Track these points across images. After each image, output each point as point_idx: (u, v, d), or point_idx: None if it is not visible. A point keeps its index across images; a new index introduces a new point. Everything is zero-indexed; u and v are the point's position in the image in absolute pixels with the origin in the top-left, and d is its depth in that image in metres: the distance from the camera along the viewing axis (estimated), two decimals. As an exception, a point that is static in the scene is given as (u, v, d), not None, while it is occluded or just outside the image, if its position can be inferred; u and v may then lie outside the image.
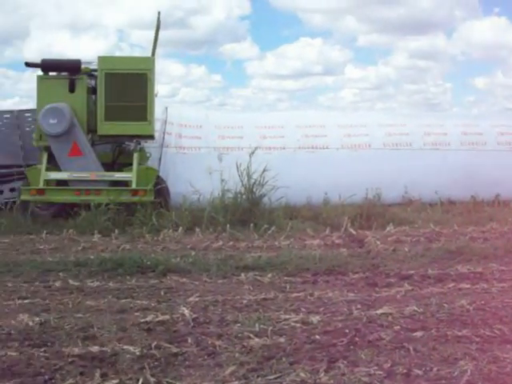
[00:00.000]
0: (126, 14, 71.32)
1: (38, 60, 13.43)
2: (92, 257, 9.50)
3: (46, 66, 13.35)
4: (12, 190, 14.65)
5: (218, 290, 7.86)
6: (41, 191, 12.74)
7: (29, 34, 76.19)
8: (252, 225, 11.72)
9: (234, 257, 9.61)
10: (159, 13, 14.10)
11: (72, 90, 13.27)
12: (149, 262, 8.95)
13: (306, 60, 66.13)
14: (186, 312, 6.71)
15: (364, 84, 66.25)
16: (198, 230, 11.45)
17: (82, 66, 13.37)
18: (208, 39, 67.90)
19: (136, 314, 6.78)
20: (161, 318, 6.57)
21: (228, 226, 11.55)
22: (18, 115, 14.70)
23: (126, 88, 13.27)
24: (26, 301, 7.26)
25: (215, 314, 6.82)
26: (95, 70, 13.61)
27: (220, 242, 10.80)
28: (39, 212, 12.93)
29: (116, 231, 11.47)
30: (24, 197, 12.74)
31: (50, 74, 13.53)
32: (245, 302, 7.32)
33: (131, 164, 13.58)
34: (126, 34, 72.74)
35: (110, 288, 7.89)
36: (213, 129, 15.46)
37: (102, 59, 13.41)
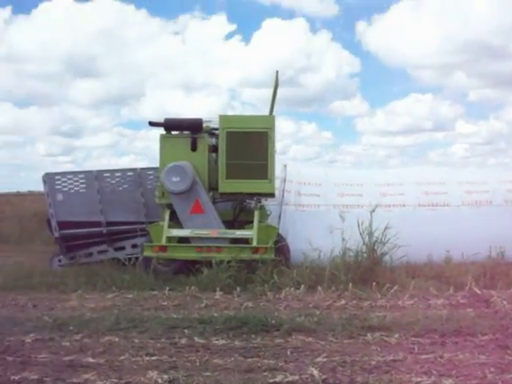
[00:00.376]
0: (238, 73, 73.32)
1: (160, 119, 13.82)
2: (216, 314, 9.53)
3: (169, 125, 13.71)
4: (134, 246, 14.96)
5: (344, 350, 7.69)
6: (163, 248, 12.96)
7: (144, 94, 79.38)
8: (374, 284, 11.39)
9: (359, 316, 9.40)
10: (277, 72, 14.28)
11: (194, 148, 13.55)
12: (273, 321, 8.87)
13: (416, 116, 65.54)
14: (315, 373, 6.61)
15: (475, 139, 64.85)
16: (319, 288, 11.23)
17: (204, 125, 13.61)
18: (318, 97, 68.63)
19: (264, 373, 6.72)
20: (290, 378, 6.50)
21: (350, 284, 11.28)
22: (140, 173, 15.12)
23: (247, 146, 13.41)
24: (153, 357, 7.34)
25: (344, 375, 6.69)
26: (216, 129, 13.85)
27: (343, 300, 10.59)
28: (161, 268, 13.10)
29: (238, 289, 11.44)
30: (147, 253, 12.98)
31: (173, 132, 13.82)
32: (373, 363, 7.14)
33: (251, 221, 13.62)
34: (238, 93, 74.47)
35: (236, 347, 7.85)
36: (332, 186, 15.35)
37: (223, 118, 13.65)
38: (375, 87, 72.37)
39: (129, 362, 7.18)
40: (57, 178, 15.12)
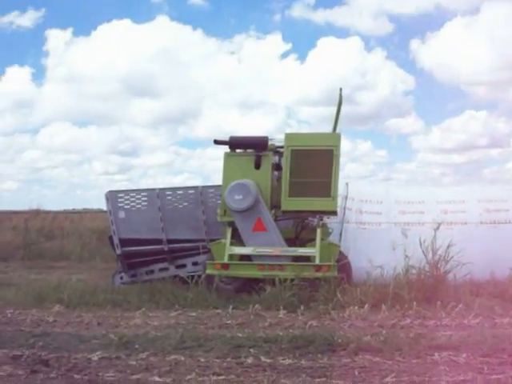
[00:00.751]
0: (294, 91, 73.54)
1: (216, 138, 13.94)
2: (281, 333, 9.46)
3: (234, 143, 13.79)
4: (195, 263, 15.02)
5: (412, 370, 7.54)
6: (225, 266, 12.98)
7: (201, 113, 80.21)
8: (439, 302, 11.15)
9: (425, 335, 9.17)
10: (341, 89, 14.26)
11: (258, 166, 13.57)
12: (339, 340, 8.77)
13: (470, 133, 64.69)
14: (386, 394, 6.42)
15: None
16: (383, 306, 11.05)
17: (269, 143, 13.62)
18: (373, 115, 68.30)
19: (334, 394, 6.57)
20: (361, 399, 6.31)
21: (414, 303, 11.08)
22: (202, 191, 15.19)
23: (311, 164, 13.37)
24: (220, 377, 7.30)
25: (416, 397, 6.48)
26: (280, 147, 13.86)
27: (407, 319, 10.41)
28: (223, 286, 13.11)
29: (301, 307, 11.33)
30: (209, 271, 13.01)
31: (237, 151, 13.87)
32: (443, 383, 6.90)
33: (312, 239, 13.55)
34: (294, 111, 74.59)
35: (303, 366, 7.76)
36: (393, 204, 15.17)
37: (288, 136, 13.66)
38: (430, 104, 71.73)
39: (195, 381, 7.16)
40: (119, 195, 15.34)
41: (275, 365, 7.82)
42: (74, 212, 46.27)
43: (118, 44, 63.91)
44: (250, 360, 8.01)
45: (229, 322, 10.59)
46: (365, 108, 64.18)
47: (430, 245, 12.54)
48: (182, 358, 8.14)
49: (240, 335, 9.45)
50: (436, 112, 72.84)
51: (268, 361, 7.98)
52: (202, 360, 8.07)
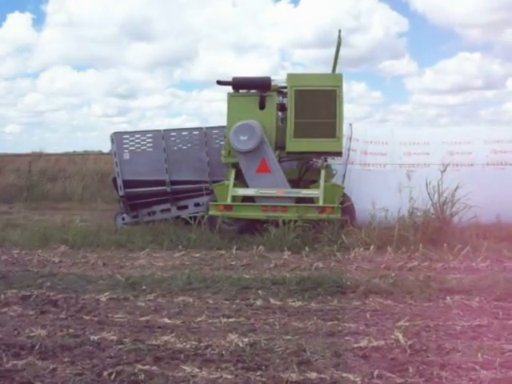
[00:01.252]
0: (288, 34, 72.65)
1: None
2: (288, 275, 9.22)
3: (237, 83, 13.35)
4: (197, 205, 14.81)
5: (425, 313, 7.28)
6: (228, 207, 12.69)
7: (197, 56, 79.35)
8: (445, 245, 10.89)
9: (434, 278, 8.93)
10: (340, 31, 13.79)
11: (262, 107, 13.18)
12: (348, 282, 8.52)
13: (465, 74, 64.11)
14: (401, 338, 6.19)
15: None
16: (389, 249, 10.81)
17: (272, 83, 13.18)
18: (367, 57, 67.57)
19: (346, 338, 6.37)
20: (375, 343, 6.13)
21: (420, 245, 10.82)
22: (206, 132, 14.82)
23: (315, 105, 12.99)
24: (230, 319, 7.06)
25: (430, 340, 6.29)
26: (283, 87, 13.43)
27: (415, 261, 10.16)
28: (226, 227, 12.83)
29: (306, 249, 11.09)
30: (212, 212, 12.73)
31: (240, 91, 13.44)
32: (458, 328, 6.71)
33: (316, 181, 13.26)
34: (288, 54, 73.88)
35: (313, 309, 7.52)
36: (398, 145, 14.77)
37: (291, 76, 13.23)
38: (423, 46, 71.05)
39: (206, 323, 6.91)
40: (125, 137, 15.04)
41: (285, 307, 7.57)
42: (75, 154, 45.90)
43: (115, -12, 62.81)
44: (259, 302, 7.77)
45: (233, 263, 10.36)
46: (358, 50, 63.62)
47: (436, 187, 12.17)
48: (191, 300, 7.91)
49: (246, 276, 9.21)
50: (430, 54, 72.24)
51: (277, 303, 7.74)
52: (211, 302, 7.83)
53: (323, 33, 71.00)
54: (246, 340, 6.21)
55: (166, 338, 6.32)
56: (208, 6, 75.99)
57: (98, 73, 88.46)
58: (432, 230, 11.76)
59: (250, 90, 13.55)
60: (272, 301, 7.81)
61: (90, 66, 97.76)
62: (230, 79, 13.43)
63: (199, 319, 7.05)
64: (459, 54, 71.13)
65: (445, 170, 12.39)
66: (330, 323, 6.89)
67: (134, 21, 73.73)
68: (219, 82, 13.45)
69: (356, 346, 6.05)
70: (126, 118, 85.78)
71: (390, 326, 6.77)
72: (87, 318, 7.17)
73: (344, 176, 14.16)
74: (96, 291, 8.37)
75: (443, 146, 14.67)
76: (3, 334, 6.54)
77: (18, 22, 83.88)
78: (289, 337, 6.39)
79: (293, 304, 7.69)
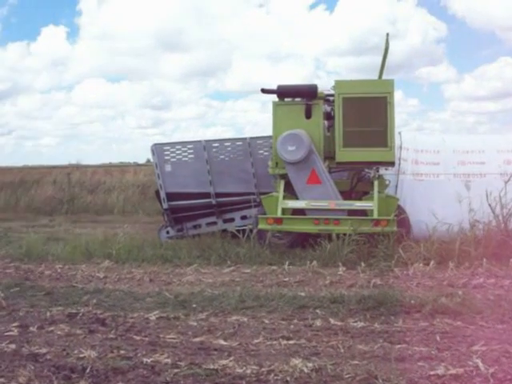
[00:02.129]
0: (323, 42, 72.24)
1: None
2: (345, 292, 8.76)
3: (282, 91, 12.96)
4: (243, 217, 14.42)
5: (501, 337, 6.73)
6: (278, 220, 12.26)
7: (230, 66, 79.52)
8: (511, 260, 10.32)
9: (504, 297, 8.36)
10: (387, 34, 13.24)
11: (308, 115, 12.74)
12: (413, 301, 8.02)
13: (506, 80, 62.91)
14: (480, 365, 5.69)
15: None
16: (451, 264, 10.28)
17: (318, 91, 12.77)
18: (404, 63, 66.73)
19: (419, 363, 5.90)
20: (452, 371, 5.65)
21: (484, 260, 10.27)
22: (250, 142, 14.45)
23: (364, 113, 12.54)
24: (290, 341, 6.63)
25: (513, 368, 5.72)
26: (330, 95, 13.02)
27: (480, 278, 9.59)
28: (275, 241, 12.42)
29: (362, 264, 10.62)
30: (262, 225, 12.30)
31: (286, 99, 13.04)
32: (543, 355, 6.13)
33: (367, 192, 12.80)
34: (323, 62, 73.50)
35: (377, 330, 7.05)
36: (451, 154, 14.18)
37: (338, 83, 12.78)
38: (462, 52, 70.04)
39: (264, 345, 6.49)
40: (165, 148, 14.75)
41: (347, 328, 7.12)
42: (111, 166, 46.07)
43: (148, 1, 63.12)
44: (318, 322, 7.33)
45: (286, 279, 9.92)
46: (395, 57, 62.85)
47: (498, 198, 11.61)
48: (245, 319, 7.51)
49: (302, 294, 8.76)
50: (469, 59, 71.21)
51: (338, 323, 7.29)
52: (267, 321, 7.41)
53: (358, 40, 70.73)
54: (311, 365, 5.78)
55: (223, 361, 5.93)
56: (241, 15, 76.12)
57: (132, 84, 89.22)
58: (494, 244, 11.15)
59: (296, 98, 13.10)
60: (332, 321, 7.37)
61: (124, 77, 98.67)
62: (274, 87, 13.02)
63: (256, 341, 6.64)
64: (500, 59, 69.77)
65: (509, 181, 11.82)
66: (398, 346, 6.41)
67: (167, 32, 74.22)
68: (264, 91, 13.06)
69: (432, 373, 5.58)
70: (160, 130, 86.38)
71: (464, 350, 6.27)
72: (138, 338, 6.83)
73: (396, 187, 13.62)
74: (144, 309, 8.05)
75: (499, 155, 14.03)
76: (52, 354, 6.25)
77: (53, 35, 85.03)
78: (356, 361, 5.94)
79: (355, 325, 7.23)
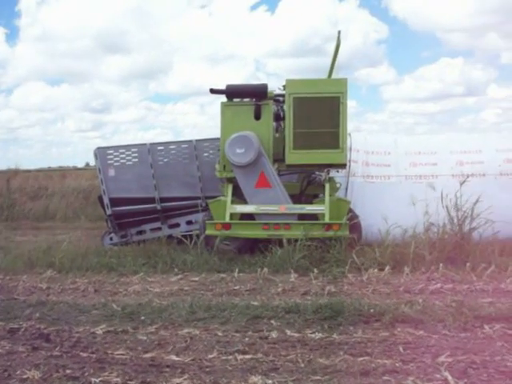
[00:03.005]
0: (263, 43, 72.30)
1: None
2: (300, 301, 8.40)
3: (231, 91, 12.51)
4: (189, 222, 14.05)
5: (466, 346, 6.48)
6: (227, 225, 11.83)
7: (171, 68, 78.89)
8: (468, 264, 10.12)
9: (464, 303, 8.08)
10: (339, 32, 12.79)
11: (258, 116, 12.35)
12: (372, 310, 7.70)
13: (446, 81, 64.03)
14: (449, 378, 5.41)
15: (508, 104, 63.19)
16: (406, 269, 10.04)
17: (268, 91, 12.41)
18: (344, 65, 67.19)
19: (385, 377, 5.60)
20: (421, 385, 5.28)
21: (440, 265, 10.06)
22: (196, 145, 14.01)
23: (316, 113, 12.13)
24: (246, 356, 6.22)
25: (482, 380, 5.55)
26: (279, 95, 12.66)
27: (435, 283, 9.36)
28: (223, 247, 11.98)
29: (315, 270, 10.29)
30: (209, 231, 11.86)
31: (234, 100, 12.64)
32: (509, 364, 5.89)
33: (317, 195, 12.50)
34: (263, 64, 73.57)
35: (337, 341, 6.70)
36: (403, 155, 13.99)
37: (289, 82, 12.36)
38: (403, 53, 70.98)
39: (220, 361, 6.08)
40: (109, 152, 14.19)
41: (304, 340, 6.75)
42: (50, 170, 44.95)
43: (88, 2, 62.04)
44: (274, 334, 6.94)
45: (237, 287, 9.50)
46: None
47: (453, 199, 11.43)
48: (197, 332, 7.06)
49: (255, 303, 8.33)
50: (409, 60, 72.35)
51: (295, 335, 6.91)
52: (220, 334, 6.99)
53: (299, 41, 70.90)
54: (271, 382, 5.45)
55: (177, 379, 5.56)
56: (183, 16, 75.46)
57: (72, 87, 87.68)
58: (449, 247, 10.96)
59: (245, 98, 12.70)
60: (289, 332, 6.99)
61: (64, 80, 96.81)
62: (223, 87, 12.60)
63: (211, 356, 6.23)
64: (441, 60, 70.95)
65: (464, 182, 11.71)
66: (360, 359, 6.08)
67: (108, 33, 73.19)
68: (212, 91, 12.59)
69: (400, 389, 5.25)
70: (100, 133, 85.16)
71: (430, 362, 5.98)
72: (84, 355, 6.32)
73: (346, 189, 13.36)
74: (90, 323, 7.55)
75: (452, 156, 13.89)
76: (-9, 377, 5.70)
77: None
78: (318, 377, 5.61)
79: (313, 336, 6.87)
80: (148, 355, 6.27)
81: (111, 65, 78.78)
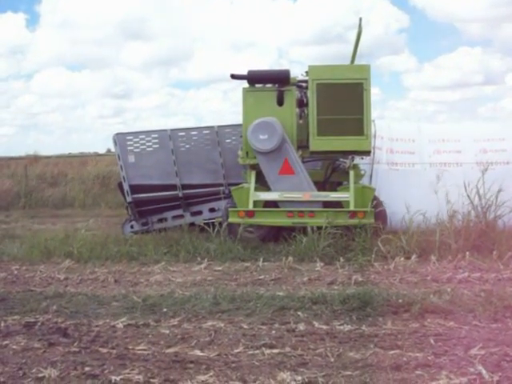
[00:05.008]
0: (285, 31, 72.02)
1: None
2: (327, 291, 8.24)
3: (253, 77, 12.33)
4: (211, 210, 13.91)
5: (497, 338, 6.30)
6: (250, 213, 11.69)
7: (193, 55, 78.78)
8: (495, 252, 9.93)
9: (493, 293, 7.89)
10: (360, 19, 12.65)
11: (280, 102, 12.17)
12: (400, 300, 7.53)
13: (465, 70, 63.79)
14: (483, 372, 5.23)
15: None
16: (433, 257, 9.87)
17: (291, 77, 12.22)
18: (366, 53, 66.81)
19: (417, 372, 5.43)
20: (455, 380, 5.17)
21: (467, 253, 9.86)
22: (218, 131, 13.83)
23: (340, 99, 11.98)
24: (274, 350, 6.05)
25: (518, 374, 5.28)
26: (302, 81, 12.46)
27: (464, 272, 9.16)
28: (246, 235, 11.83)
29: (340, 259, 10.14)
30: (232, 219, 11.73)
31: (257, 86, 12.46)
32: (547, 357, 5.69)
33: (341, 183, 12.32)
34: (285, 52, 73.28)
35: (366, 334, 6.54)
36: (427, 143, 13.79)
37: (312, 68, 12.18)
38: (423, 42, 70.80)
39: (246, 356, 5.92)
40: (128, 138, 14.05)
41: (333, 332, 6.59)
42: (71, 156, 45.08)
43: (111, -12, 62.00)
44: (301, 326, 6.78)
45: (261, 277, 9.36)
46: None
47: (476, 188, 11.23)
48: (222, 325, 6.91)
49: (280, 294, 8.21)
50: (429, 49, 72.23)
51: (323, 327, 6.76)
52: (246, 327, 6.84)
53: (322, 30, 70.61)
54: (300, 378, 5.26)
55: (202, 377, 5.38)
56: (205, 4, 75.24)
57: (93, 73, 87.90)
58: (474, 235, 10.76)
59: (267, 83, 12.51)
60: (316, 324, 6.85)
61: (85, 66, 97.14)
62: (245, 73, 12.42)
63: (237, 350, 6.08)
64: (459, 49, 70.66)
65: (486, 170, 11.48)
66: (391, 352, 5.92)
67: (130, 21, 73.16)
68: (233, 76, 12.43)
69: (434, 383, 5.08)
70: (122, 119, 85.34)
71: (462, 355, 5.81)
72: (104, 350, 6.18)
73: (371, 177, 13.17)
74: (110, 315, 7.40)
75: (475, 144, 13.67)
76: (6, 375, 5.57)
77: (11, 22, 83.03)
78: (349, 372, 5.44)
79: (341, 328, 6.72)
80: (171, 350, 6.12)
81: (132, 51, 78.90)
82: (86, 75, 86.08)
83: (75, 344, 6.38)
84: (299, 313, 7.30)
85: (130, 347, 6.25)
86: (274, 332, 6.64)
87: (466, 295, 7.88)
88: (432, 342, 6.22)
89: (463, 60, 65.78)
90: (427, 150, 13.66)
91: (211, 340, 6.42)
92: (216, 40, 76.38)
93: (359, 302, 7.48)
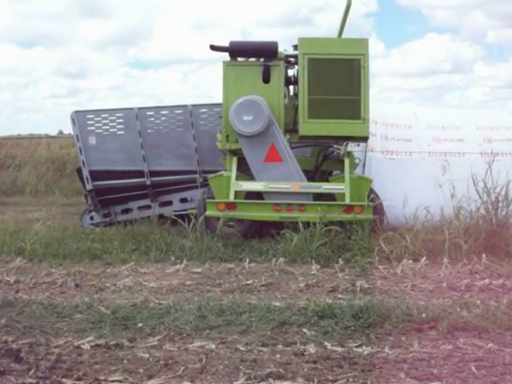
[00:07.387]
0: (250, 12, 71.28)
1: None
2: (330, 301, 7.28)
3: (235, 49, 11.29)
4: (183, 200, 13.08)
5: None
6: (231, 206, 10.70)
7: (152, 34, 77.38)
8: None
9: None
10: None
11: (267, 79, 11.15)
12: (424, 315, 6.59)
13: (433, 57, 64.26)
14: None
15: (495, 82, 63.80)
16: (445, 260, 8.99)
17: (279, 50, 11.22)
18: (332, 37, 66.67)
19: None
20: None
21: (483, 256, 9.01)
22: (192, 111, 12.82)
23: (334, 77, 11.05)
24: (284, 383, 4.99)
25: None
26: (291, 56, 11.49)
27: (483, 278, 8.32)
28: (225, 230, 10.86)
29: (339, 261, 9.19)
30: (211, 212, 10.72)
31: (239, 59, 11.44)
32: None
33: (331, 172, 11.42)
34: (249, 33, 72.73)
35: (391, 358, 5.57)
36: (425, 130, 12.92)
37: (303, 41, 11.19)
38: (391, 27, 71.21)
39: (251, 389, 4.92)
40: (89, 117, 12.98)
41: (351, 356, 5.60)
42: (20, 138, 43.74)
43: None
44: (311, 348, 5.78)
45: (250, 281, 8.35)
46: (324, 30, 62.93)
47: (483, 182, 10.49)
48: (213, 346, 5.83)
49: (277, 304, 7.18)
50: (397, 35, 72.81)
51: (338, 349, 5.76)
52: (242, 349, 5.80)
53: (288, 11, 69.97)
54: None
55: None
56: (167, -20, 73.92)
57: (46, 51, 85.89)
58: (485, 235, 9.91)
59: (251, 57, 11.55)
60: (329, 346, 5.85)
61: (37, 43, 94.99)
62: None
63: (237, 383, 5.03)
64: (427, 36, 71.42)
65: (493, 161, 10.77)
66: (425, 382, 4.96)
67: (86, -4, 71.30)
68: (213, 47, 11.34)
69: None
70: (76, 99, 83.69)
71: (512, 385, 4.89)
72: (68, 382, 5.05)
73: (364, 166, 12.26)
74: (73, 332, 6.26)
75: (478, 132, 12.89)
76: None
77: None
78: (382, 413, 4.46)
79: (360, 351, 5.73)
80: (154, 382, 5.05)
81: (88, 28, 77.14)
82: (38, 52, 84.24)
83: (31, 372, 5.20)
84: (304, 330, 6.31)
85: (102, 377, 5.11)
86: (278, 356, 5.62)
87: (493, 307, 6.98)
88: (473, 369, 5.29)
89: (431, 47, 66.32)
90: (425, 138, 12.82)
91: (202, 367, 5.34)
92: (178, 19, 75.22)
93: (374, 317, 6.53)
